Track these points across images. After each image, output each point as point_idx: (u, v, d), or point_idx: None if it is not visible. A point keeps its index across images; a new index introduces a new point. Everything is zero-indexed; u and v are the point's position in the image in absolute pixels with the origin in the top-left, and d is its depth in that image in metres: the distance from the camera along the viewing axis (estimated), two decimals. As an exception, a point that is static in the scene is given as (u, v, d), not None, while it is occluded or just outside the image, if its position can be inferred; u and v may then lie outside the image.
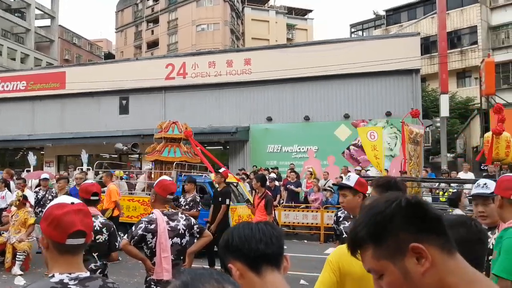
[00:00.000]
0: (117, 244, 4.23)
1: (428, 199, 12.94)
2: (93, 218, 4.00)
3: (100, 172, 13.84)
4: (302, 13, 61.50)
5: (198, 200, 9.23)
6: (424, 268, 1.11)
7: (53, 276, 1.77)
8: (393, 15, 36.81)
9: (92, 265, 3.96)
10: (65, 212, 1.80)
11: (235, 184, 11.88)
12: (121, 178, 13.45)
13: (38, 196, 10.48)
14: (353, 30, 45.44)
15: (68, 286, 1.75)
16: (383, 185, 2.96)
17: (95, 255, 4.03)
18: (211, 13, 49.48)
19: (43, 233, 1.83)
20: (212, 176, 10.66)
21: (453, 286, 1.11)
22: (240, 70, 21.37)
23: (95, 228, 3.97)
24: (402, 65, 18.48)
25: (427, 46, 30.39)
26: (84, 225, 1.83)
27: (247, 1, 57.18)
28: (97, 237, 4.01)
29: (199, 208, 9.15)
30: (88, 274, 1.84)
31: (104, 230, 4.13)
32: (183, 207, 8.86)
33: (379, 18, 41.92)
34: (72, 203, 1.86)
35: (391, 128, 18.93)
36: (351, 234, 1.22)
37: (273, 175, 16.21)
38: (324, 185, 15.45)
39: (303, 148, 20.17)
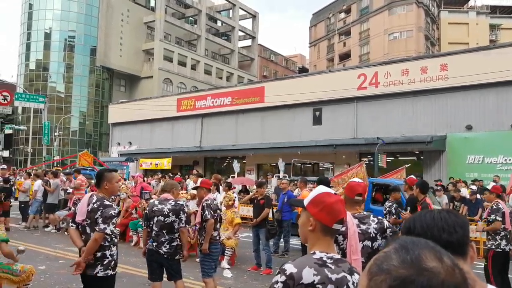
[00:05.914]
0: None
1: None
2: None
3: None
4: (508, 10, 55.77)
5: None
6: None
7: (314, 253, 2.04)
8: None
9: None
10: (335, 200, 2.11)
11: None
12: None
13: None
14: None
15: (327, 263, 1.98)
16: None
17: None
18: (404, 20, 48.16)
19: (313, 216, 2.11)
20: None
21: None
22: (436, 76, 20.35)
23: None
24: None
25: None
26: (345, 214, 2.16)
27: (444, 4, 54.15)
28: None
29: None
30: (339, 256, 2.10)
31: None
32: None
33: None
34: (335, 193, 2.17)
35: None
36: None
37: (474, 187, 15.07)
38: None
39: (510, 159, 18.26)
